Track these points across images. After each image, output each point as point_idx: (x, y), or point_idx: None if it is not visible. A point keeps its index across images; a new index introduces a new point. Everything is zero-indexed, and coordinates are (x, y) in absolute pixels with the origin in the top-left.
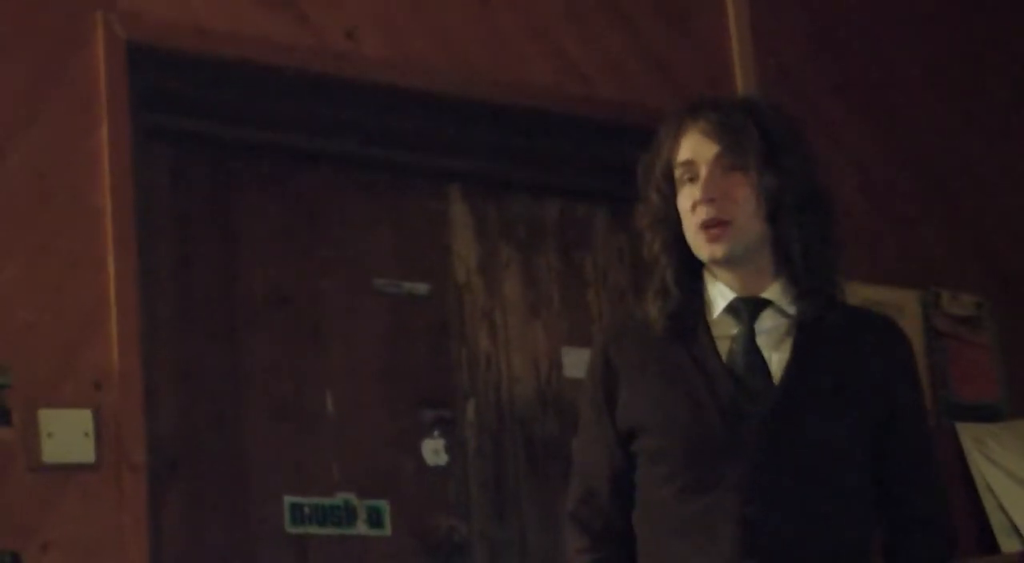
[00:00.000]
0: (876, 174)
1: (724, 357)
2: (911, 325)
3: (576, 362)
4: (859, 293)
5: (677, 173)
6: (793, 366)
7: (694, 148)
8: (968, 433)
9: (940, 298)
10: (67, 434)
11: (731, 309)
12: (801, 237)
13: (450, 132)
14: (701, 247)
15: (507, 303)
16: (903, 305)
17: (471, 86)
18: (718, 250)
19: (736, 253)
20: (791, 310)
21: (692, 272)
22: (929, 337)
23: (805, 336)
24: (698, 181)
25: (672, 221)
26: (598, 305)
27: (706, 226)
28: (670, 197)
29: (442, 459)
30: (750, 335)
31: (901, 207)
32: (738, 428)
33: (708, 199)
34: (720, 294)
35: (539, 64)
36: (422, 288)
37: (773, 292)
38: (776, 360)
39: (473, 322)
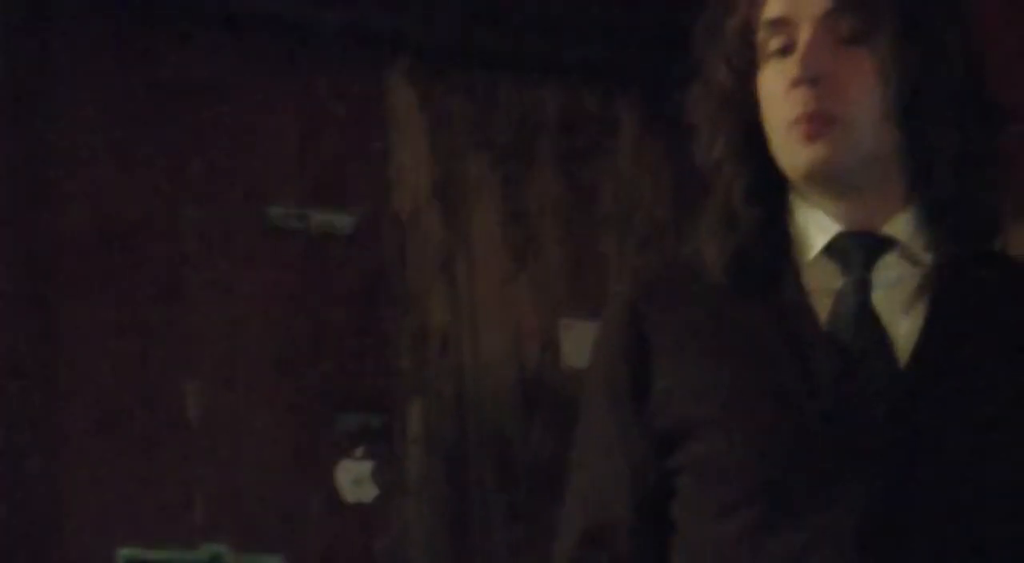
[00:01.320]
0: None
1: (824, 322)
2: None
3: (582, 341)
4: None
5: (760, 38)
6: (930, 339)
7: (791, 1)
8: None
9: None
10: None
11: (835, 249)
12: (951, 150)
13: None
14: (793, 150)
15: (477, 247)
16: None
17: None
18: (820, 152)
19: (845, 165)
20: (926, 256)
21: (773, 191)
22: None
23: (948, 295)
24: (794, 52)
25: (748, 111)
26: (618, 254)
27: (805, 119)
28: (747, 75)
29: (368, 493)
30: (863, 289)
31: None
32: (846, 432)
33: (810, 79)
34: (817, 226)
35: None
36: (344, 222)
37: (900, 227)
38: (904, 330)
39: (423, 277)
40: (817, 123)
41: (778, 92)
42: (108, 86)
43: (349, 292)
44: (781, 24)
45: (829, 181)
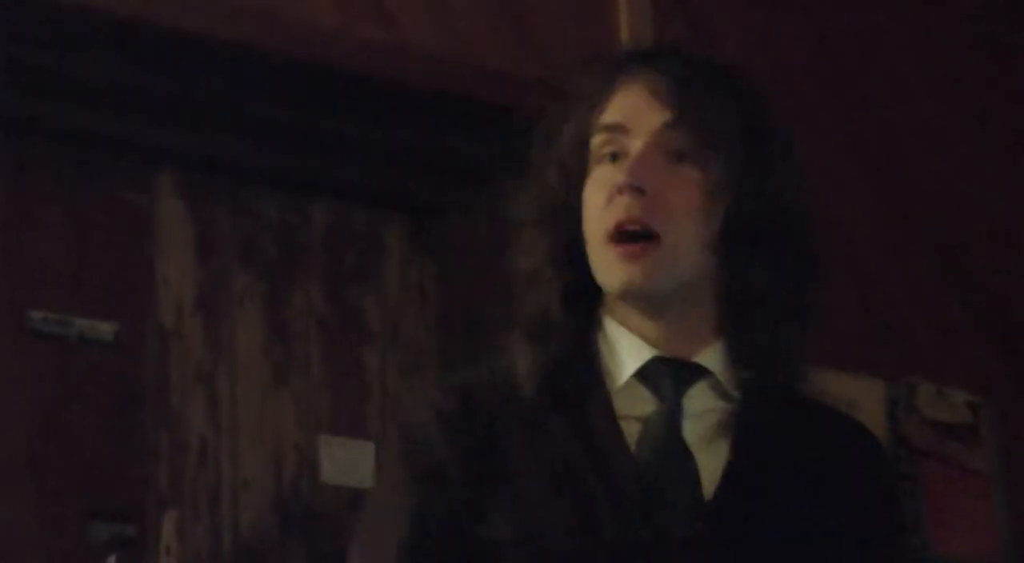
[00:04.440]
0: (835, 195)
1: (633, 449)
2: None
3: (342, 460)
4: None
5: (594, 142)
6: (734, 474)
7: (631, 109)
8: None
9: (917, 393)
10: None
11: (647, 375)
12: (769, 283)
13: (165, 86)
14: (610, 267)
15: (239, 361)
16: (858, 399)
17: (202, 20)
18: (636, 275)
19: (660, 288)
20: (734, 390)
21: (587, 305)
22: (896, 454)
23: (752, 433)
24: (623, 160)
25: (573, 219)
26: (381, 372)
27: (621, 233)
28: (577, 182)
29: None
30: (674, 418)
31: (867, 249)
32: (651, 562)
33: (635, 187)
34: (630, 349)
35: None
36: (105, 329)
37: (711, 357)
38: (708, 462)
39: (183, 388)
40: (636, 243)
41: (600, 199)
42: None
43: (108, 400)
44: (617, 130)
45: (643, 301)
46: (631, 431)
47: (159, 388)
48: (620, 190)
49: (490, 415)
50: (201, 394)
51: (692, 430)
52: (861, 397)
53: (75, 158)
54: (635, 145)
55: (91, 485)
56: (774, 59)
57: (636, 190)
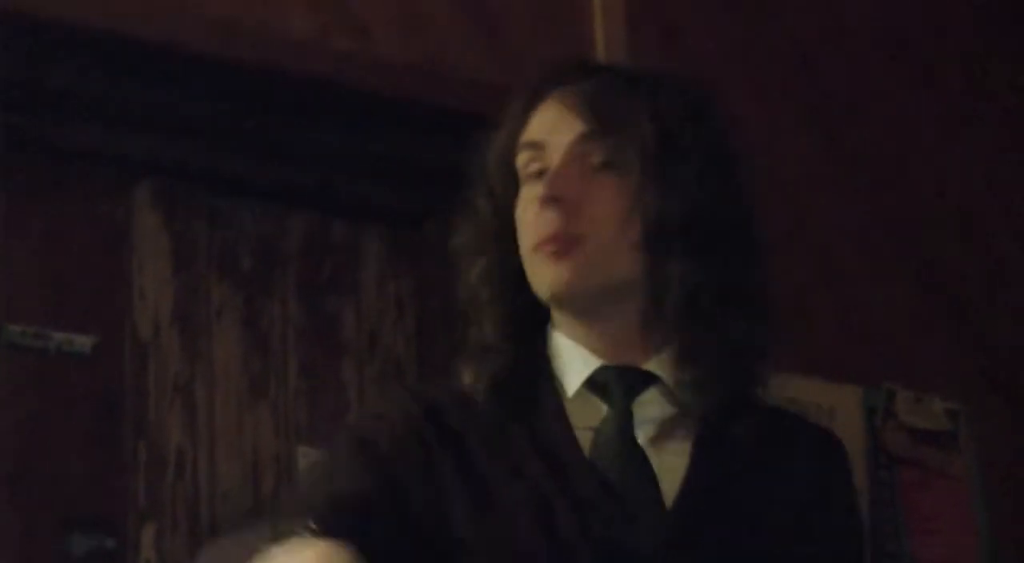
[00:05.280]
0: (810, 202)
1: (588, 455)
2: (847, 439)
3: None
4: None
5: (519, 160)
6: (694, 484)
7: (548, 125)
8: None
9: (895, 400)
10: None
11: (595, 383)
12: (695, 285)
13: (142, 98)
14: (539, 271)
15: (216, 372)
16: (836, 407)
17: (178, 32)
18: (563, 273)
19: (588, 287)
20: (686, 397)
21: (533, 322)
22: (875, 460)
23: (710, 440)
24: (547, 175)
25: (507, 240)
26: (359, 384)
27: (549, 240)
28: (507, 202)
29: None
30: (626, 423)
31: (844, 255)
32: None
33: (554, 198)
34: (578, 360)
35: (291, 4)
36: (82, 343)
37: (660, 364)
38: (665, 469)
39: (160, 400)
40: (561, 242)
41: (528, 215)
42: None
43: (86, 412)
44: (537, 147)
45: (575, 303)
46: (586, 440)
47: (137, 400)
48: (541, 203)
49: (451, 423)
50: (179, 406)
51: (646, 435)
52: (839, 404)
53: (52, 170)
54: (554, 159)
55: (69, 497)
56: (749, 65)
57: (554, 200)
